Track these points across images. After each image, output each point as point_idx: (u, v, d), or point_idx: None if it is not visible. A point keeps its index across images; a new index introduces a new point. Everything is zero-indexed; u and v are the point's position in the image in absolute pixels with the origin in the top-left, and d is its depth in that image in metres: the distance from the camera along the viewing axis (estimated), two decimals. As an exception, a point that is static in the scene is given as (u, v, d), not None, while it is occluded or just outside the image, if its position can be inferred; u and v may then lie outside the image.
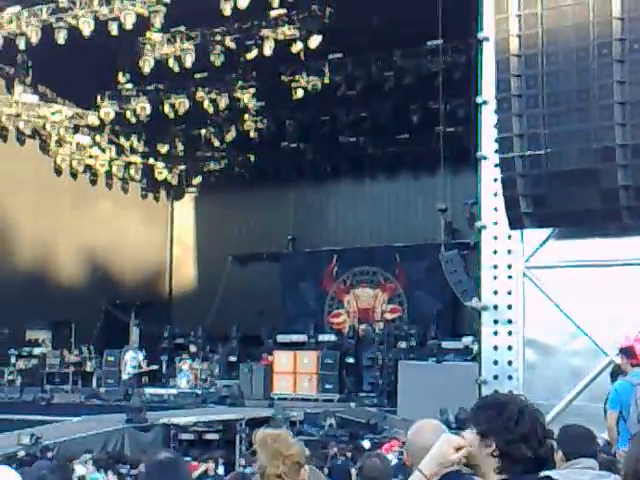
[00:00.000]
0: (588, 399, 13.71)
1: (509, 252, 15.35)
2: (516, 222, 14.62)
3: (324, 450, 14.16)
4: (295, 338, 26.19)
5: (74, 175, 28.44)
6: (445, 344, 22.57)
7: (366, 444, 14.83)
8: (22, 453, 14.12)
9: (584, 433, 5.45)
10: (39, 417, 18.96)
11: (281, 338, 26.22)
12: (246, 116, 27.76)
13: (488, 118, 15.48)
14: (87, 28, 22.22)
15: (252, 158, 29.97)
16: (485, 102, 15.58)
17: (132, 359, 23.62)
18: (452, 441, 3.10)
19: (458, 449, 3.06)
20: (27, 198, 26.16)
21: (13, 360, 25.14)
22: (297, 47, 23.13)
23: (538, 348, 14.92)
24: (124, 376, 23.64)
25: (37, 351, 25.93)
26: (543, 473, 3.14)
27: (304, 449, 3.94)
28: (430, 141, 23.45)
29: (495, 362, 15.12)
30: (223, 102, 26.27)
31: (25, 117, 26.14)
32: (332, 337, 26.17)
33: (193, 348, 26.58)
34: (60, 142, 27.58)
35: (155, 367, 24.98)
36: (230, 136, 28.50)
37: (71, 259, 27.85)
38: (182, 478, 4.48)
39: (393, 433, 17.00)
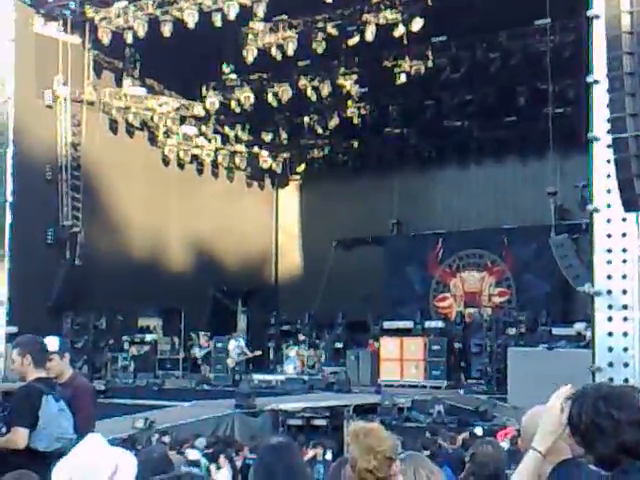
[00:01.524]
0: None
1: (623, 235, 14.88)
2: (631, 204, 14.12)
3: (434, 437, 14.02)
4: (401, 324, 26.06)
5: (181, 165, 28.97)
6: (556, 330, 22.05)
7: (478, 431, 14.62)
8: (138, 437, 14.45)
9: None
10: (152, 402, 19.43)
11: (387, 325, 26.13)
12: (349, 102, 27.69)
13: (600, 98, 15.00)
14: (192, 20, 22.61)
15: (355, 144, 29.90)
16: (596, 81, 15.10)
17: (235, 347, 24.12)
18: (553, 404, 3.02)
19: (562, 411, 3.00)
20: (137, 188, 26.78)
21: (126, 346, 25.83)
22: (399, 31, 22.88)
23: (655, 334, 14.42)
24: (230, 364, 24.10)
25: (149, 338, 26.59)
26: None
27: (397, 443, 3.93)
28: (538, 123, 22.93)
29: (610, 349, 14.69)
30: (326, 89, 26.27)
31: (134, 109, 26.75)
32: (439, 323, 25.93)
33: (301, 336, 26.82)
34: (167, 133, 28.12)
35: (258, 353, 25.34)
36: (333, 123, 28.49)
37: (179, 247, 28.42)
38: (295, 462, 4.49)
39: (504, 421, 16.75)
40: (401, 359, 23.99)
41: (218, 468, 12.73)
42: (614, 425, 2.85)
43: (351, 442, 3.78)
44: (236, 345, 24.31)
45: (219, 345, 25.20)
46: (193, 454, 12.94)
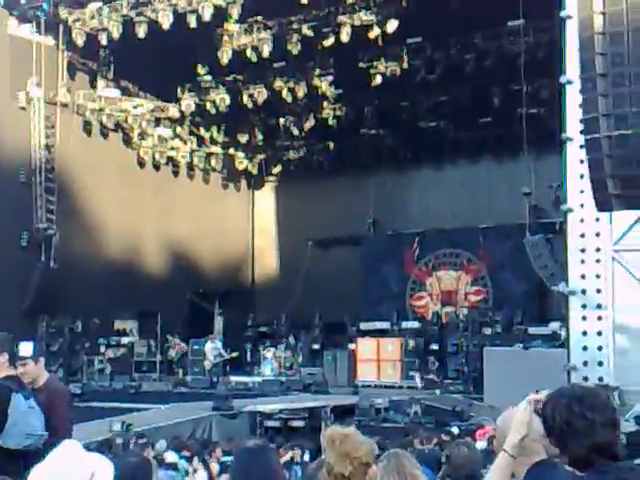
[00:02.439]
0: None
1: (597, 235, 15.00)
2: (604, 204, 14.21)
3: (410, 437, 14.04)
4: (378, 325, 26.13)
5: (157, 167, 28.87)
6: (532, 330, 22.22)
7: (454, 431, 14.69)
8: (119, 441, 14.39)
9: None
10: (129, 405, 19.35)
11: (364, 326, 26.19)
12: (324, 104, 27.72)
13: (573, 98, 15.09)
14: (166, 21, 22.55)
15: (331, 146, 29.95)
16: (569, 82, 15.20)
17: (213, 349, 24.04)
18: (521, 406, 3.08)
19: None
20: (112, 190, 26.65)
21: (102, 349, 25.70)
22: (374, 32, 22.94)
23: (629, 333, 14.55)
24: (207, 366, 24.03)
25: (125, 340, 26.46)
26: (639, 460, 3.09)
27: (373, 448, 3.90)
28: (512, 124, 23.07)
29: (584, 348, 14.80)
30: (301, 91, 26.29)
31: (108, 111, 26.60)
32: (415, 324, 26.04)
33: (279, 338, 26.81)
34: (142, 135, 28.00)
35: (235, 354, 25.30)
36: (309, 124, 28.51)
37: (155, 250, 28.31)
38: (271, 465, 4.49)
39: (480, 420, 16.82)
40: (378, 360, 24.05)
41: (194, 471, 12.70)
42: (587, 425, 2.88)
43: (327, 448, 3.75)
44: (213, 347, 24.26)
45: (196, 347, 25.13)
46: (170, 457, 12.90)
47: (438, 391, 21.81)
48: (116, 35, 23.38)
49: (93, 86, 26.73)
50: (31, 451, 5.31)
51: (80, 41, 24.11)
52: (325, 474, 3.73)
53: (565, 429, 2.91)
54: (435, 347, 24.28)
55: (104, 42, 24.16)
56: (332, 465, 3.68)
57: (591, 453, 2.88)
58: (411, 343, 23.96)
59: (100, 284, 24.56)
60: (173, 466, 12.43)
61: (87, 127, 26.68)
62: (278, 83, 26.35)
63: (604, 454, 2.88)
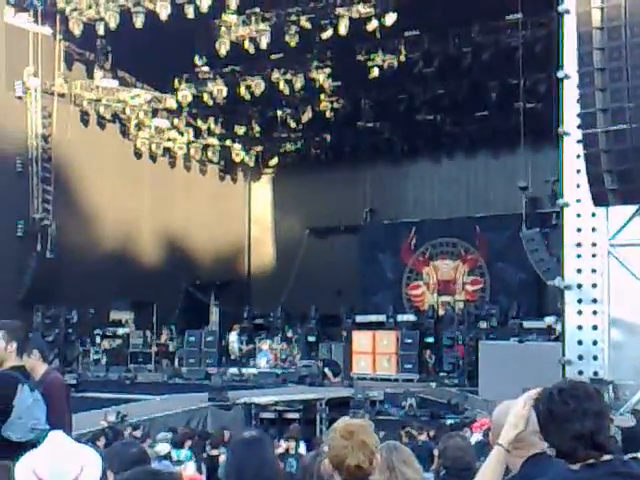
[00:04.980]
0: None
1: (593, 230, 15.03)
2: (600, 199, 14.26)
3: (405, 430, 14.08)
4: (374, 318, 26.14)
5: (153, 158, 28.83)
6: (527, 324, 22.24)
7: (448, 423, 14.74)
8: (109, 431, 14.40)
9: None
10: (124, 395, 19.38)
11: (360, 318, 26.19)
12: (322, 96, 27.69)
13: (570, 93, 15.11)
14: (164, 12, 22.48)
15: (328, 138, 29.89)
16: (567, 76, 15.22)
17: (237, 340, 24.33)
18: (519, 400, 3.10)
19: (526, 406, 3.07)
20: (109, 181, 26.61)
21: (98, 340, 25.70)
22: (372, 25, 22.89)
23: (624, 327, 14.59)
24: (235, 356, 24.35)
25: (121, 331, 26.46)
26: (631, 454, 3.08)
27: (378, 438, 3.89)
28: (509, 118, 23.07)
29: (579, 342, 14.85)
30: (299, 83, 26.24)
31: (105, 102, 26.56)
32: (411, 317, 26.06)
33: (274, 330, 26.88)
34: (139, 126, 27.95)
35: (252, 346, 25.61)
36: (306, 116, 28.48)
37: (152, 240, 28.30)
38: (267, 456, 4.47)
39: (475, 413, 16.86)
40: (373, 352, 24.07)
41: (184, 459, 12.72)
42: (568, 413, 2.86)
43: (342, 439, 3.66)
44: (237, 339, 24.53)
45: (192, 339, 25.17)
46: (163, 447, 12.90)
47: (434, 384, 21.85)
48: (113, 25, 23.31)
49: (90, 76, 26.67)
50: (33, 444, 5.26)
51: (77, 31, 24.04)
52: (328, 465, 3.68)
53: (546, 416, 2.91)
54: (430, 340, 24.31)
55: (101, 32, 24.10)
56: (344, 456, 3.61)
57: (574, 442, 2.85)
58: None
59: (96, 274, 24.54)
60: (166, 456, 12.46)
61: (84, 117, 26.63)
62: (275, 75, 26.31)
63: (587, 444, 2.85)
